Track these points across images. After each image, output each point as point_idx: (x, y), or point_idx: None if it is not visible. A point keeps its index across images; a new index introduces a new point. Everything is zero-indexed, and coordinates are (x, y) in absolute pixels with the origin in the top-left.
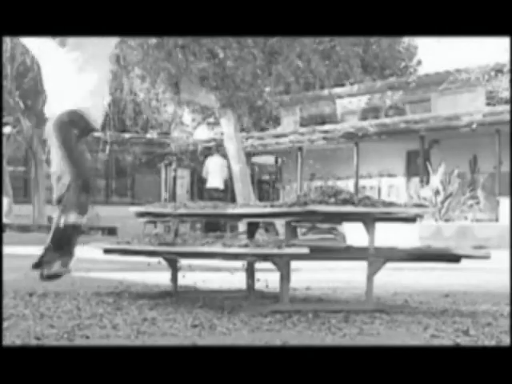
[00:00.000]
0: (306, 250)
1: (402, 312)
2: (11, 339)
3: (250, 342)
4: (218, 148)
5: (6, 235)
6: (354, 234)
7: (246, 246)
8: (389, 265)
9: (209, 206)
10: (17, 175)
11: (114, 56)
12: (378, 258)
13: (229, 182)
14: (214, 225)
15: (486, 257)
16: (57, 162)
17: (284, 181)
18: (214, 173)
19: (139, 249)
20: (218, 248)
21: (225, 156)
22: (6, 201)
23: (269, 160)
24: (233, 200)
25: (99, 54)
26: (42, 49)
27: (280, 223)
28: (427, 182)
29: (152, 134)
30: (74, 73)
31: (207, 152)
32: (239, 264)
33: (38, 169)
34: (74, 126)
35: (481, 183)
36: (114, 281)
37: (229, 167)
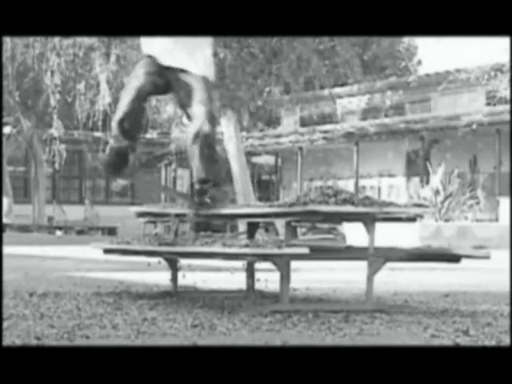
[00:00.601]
0: (306, 250)
1: (402, 312)
2: (11, 339)
3: (250, 342)
4: None
5: (6, 235)
6: (354, 233)
7: (246, 246)
8: (389, 265)
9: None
10: (17, 175)
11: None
12: (377, 257)
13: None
14: (205, 224)
15: (486, 257)
16: None
17: (284, 181)
18: None
19: (139, 249)
20: (217, 248)
21: None
22: (5, 201)
23: (269, 160)
24: (232, 200)
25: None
26: None
27: (280, 223)
28: (427, 182)
29: (152, 134)
30: None
31: None
32: (239, 264)
33: (38, 169)
34: None
35: (481, 183)
36: (114, 281)
37: (229, 167)
